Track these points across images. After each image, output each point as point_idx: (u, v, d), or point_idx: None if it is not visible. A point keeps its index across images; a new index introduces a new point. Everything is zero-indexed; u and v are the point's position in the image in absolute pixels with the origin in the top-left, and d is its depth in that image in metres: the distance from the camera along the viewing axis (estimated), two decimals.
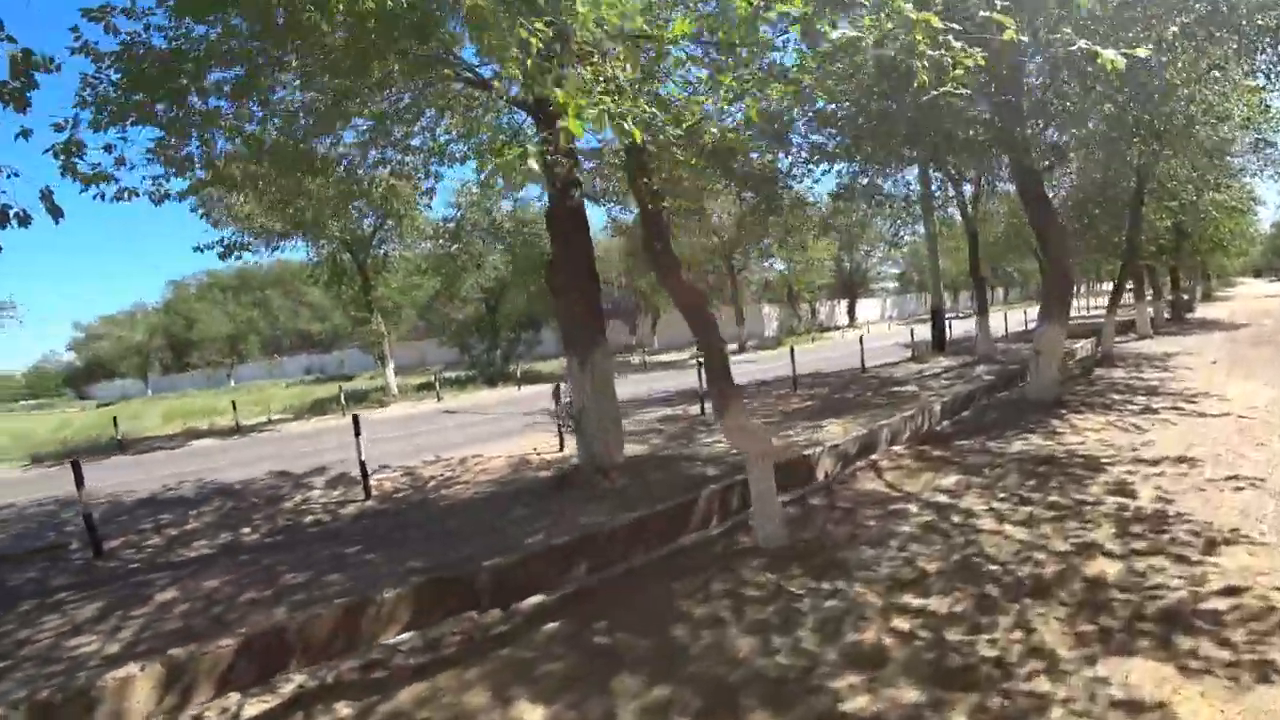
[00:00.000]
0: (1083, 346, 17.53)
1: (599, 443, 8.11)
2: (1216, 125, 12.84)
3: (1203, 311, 30.85)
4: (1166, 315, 27.34)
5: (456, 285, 26.78)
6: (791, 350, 14.49)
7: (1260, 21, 7.01)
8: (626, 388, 18.22)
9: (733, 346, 31.80)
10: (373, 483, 8.78)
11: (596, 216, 33.73)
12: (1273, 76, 8.33)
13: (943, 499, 6.16)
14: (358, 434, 8.43)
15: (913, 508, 6.02)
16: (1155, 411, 9.09)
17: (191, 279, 61.01)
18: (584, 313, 8.06)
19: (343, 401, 21.86)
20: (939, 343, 18.15)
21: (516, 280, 30.04)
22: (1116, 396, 10.32)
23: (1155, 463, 6.64)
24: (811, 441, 8.70)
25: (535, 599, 4.87)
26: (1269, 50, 7.32)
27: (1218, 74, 7.93)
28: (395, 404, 22.70)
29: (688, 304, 5.68)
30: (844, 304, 48.83)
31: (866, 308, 50.75)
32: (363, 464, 8.37)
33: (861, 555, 5.08)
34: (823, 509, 6.33)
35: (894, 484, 6.88)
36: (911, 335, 18.39)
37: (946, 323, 19.83)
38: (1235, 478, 5.98)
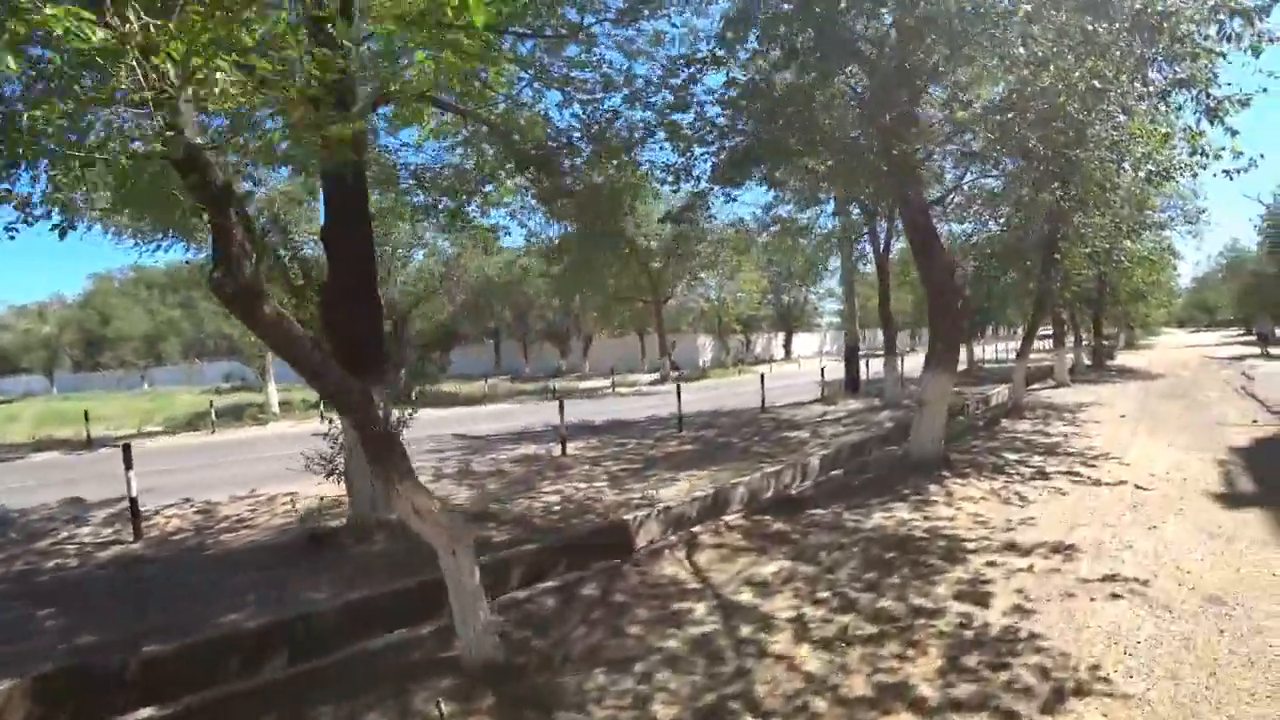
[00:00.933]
0: (999, 393, 16.69)
1: (365, 496, 6.58)
2: (1120, 165, 12.13)
3: (1124, 359, 30.86)
4: (1088, 362, 27.10)
5: None
6: (678, 388, 13.19)
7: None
8: (513, 420, 16.72)
9: (654, 376, 30.59)
10: (162, 518, 7.99)
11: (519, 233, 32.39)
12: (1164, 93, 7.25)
13: (746, 597, 4.77)
14: (128, 466, 7.31)
15: (700, 609, 4.60)
16: (1048, 477, 7.96)
17: (117, 273, 57.13)
18: (356, 335, 6.54)
19: (213, 418, 19.87)
20: (852, 384, 17.09)
21: (433, 296, 28.44)
22: (1011, 456, 9.21)
23: (1027, 551, 5.39)
24: (644, 501, 7.32)
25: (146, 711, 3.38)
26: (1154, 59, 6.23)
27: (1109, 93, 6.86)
28: (275, 422, 20.75)
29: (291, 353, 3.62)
30: (781, 337, 48.20)
31: (805, 342, 50.20)
32: (133, 501, 7.31)
33: (587, 684, 3.65)
34: (591, 602, 4.89)
35: (702, 569, 5.47)
36: (822, 375, 17.28)
37: (864, 362, 18.88)
38: (1114, 578, 4.75)
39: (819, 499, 7.37)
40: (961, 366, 26.25)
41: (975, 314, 22.70)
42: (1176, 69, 5.63)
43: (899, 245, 19.46)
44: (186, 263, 20.64)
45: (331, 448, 7.33)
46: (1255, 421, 11.91)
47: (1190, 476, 7.81)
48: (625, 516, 6.69)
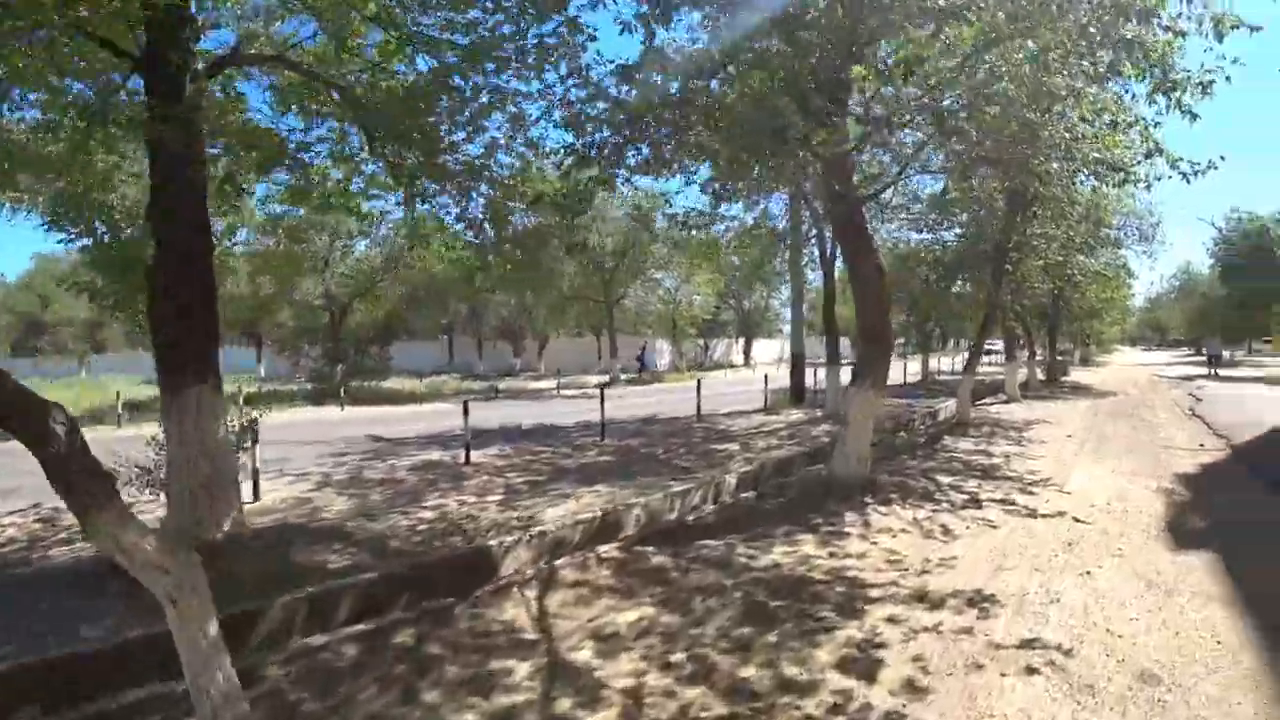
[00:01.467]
0: (947, 408, 16.07)
1: (187, 511, 5.51)
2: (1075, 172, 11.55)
3: (1078, 376, 30.74)
4: (1042, 378, 26.84)
5: (288, 286, 23.68)
6: (602, 394, 12.23)
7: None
8: (445, 421, 15.63)
9: (604, 379, 29.65)
10: None
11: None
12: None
13: (584, 656, 3.85)
14: None
15: (522, 670, 3.68)
16: (980, 506, 7.19)
17: (64, 254, 54.59)
18: (180, 324, 5.49)
19: (119, 412, 18.44)
20: (798, 393, 16.32)
21: (374, 287, 27.11)
22: (945, 479, 8.45)
23: (939, 603, 4.56)
24: (523, 523, 6.37)
25: None
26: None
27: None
28: None
29: None
30: (741, 343, 47.62)
31: (766, 348, 49.63)
32: None
33: None
34: (400, 653, 3.95)
35: (550, 614, 4.55)
36: (765, 383, 16.47)
37: (813, 372, 18.18)
38: (1034, 644, 3.93)
39: (720, 526, 6.50)
40: (915, 378, 25.86)
41: (929, 325, 22.24)
42: (1125, 29, 4.86)
43: None
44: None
45: (155, 456, 6.27)
46: (1202, 446, 11.40)
47: (1132, 509, 7.11)
48: (490, 542, 5.79)
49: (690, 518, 6.88)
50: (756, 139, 6.08)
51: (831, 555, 5.65)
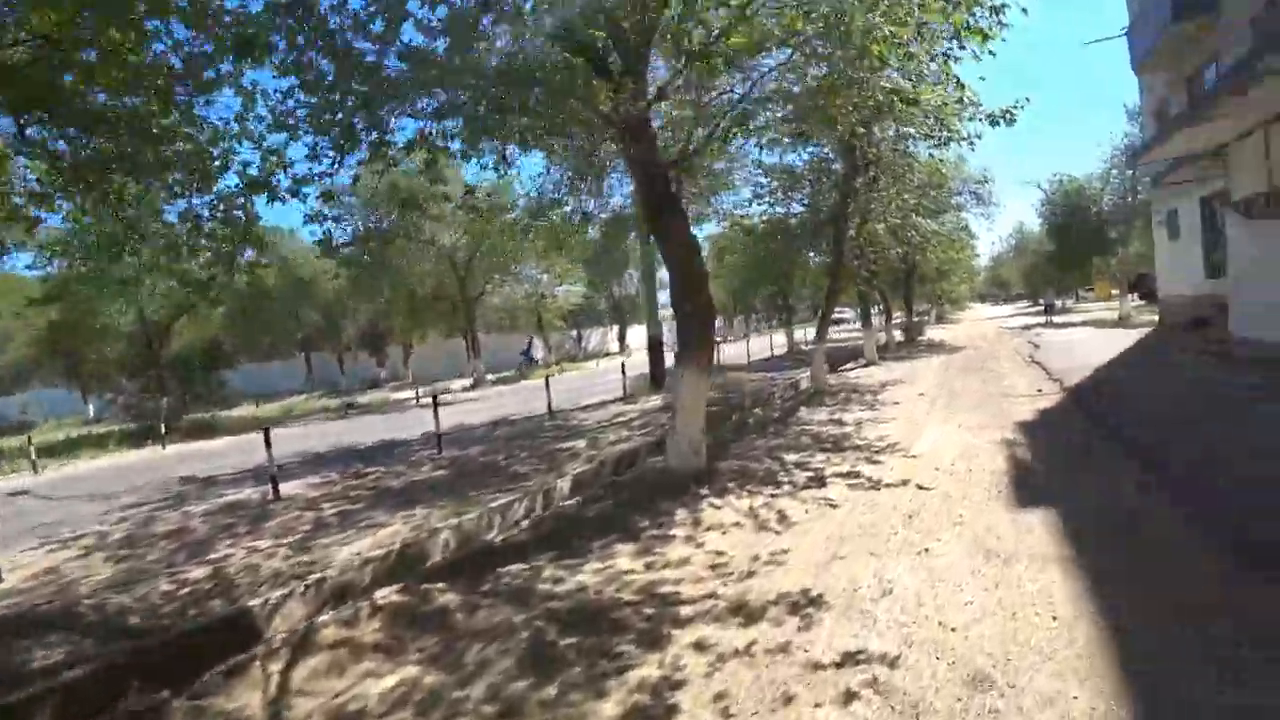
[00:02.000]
0: (808, 378, 16.01)
1: None
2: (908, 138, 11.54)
3: (933, 334, 32.24)
4: (900, 339, 27.85)
5: (91, 314, 20.72)
6: (435, 401, 11.09)
7: None
8: (286, 446, 13.78)
9: (466, 381, 28.20)
10: None
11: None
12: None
13: None
14: None
15: None
16: (824, 484, 6.70)
17: None
18: None
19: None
20: (656, 379, 15.72)
21: (195, 308, 24.31)
22: (792, 458, 7.97)
23: (757, 614, 3.89)
24: (306, 567, 5.27)
25: None
26: None
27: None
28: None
29: None
30: (616, 330, 47.10)
31: (640, 334, 49.33)
32: None
33: None
34: None
35: (292, 692, 3.54)
36: (623, 371, 15.80)
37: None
38: (857, 657, 3.31)
39: (536, 543, 5.64)
40: (781, 350, 26.15)
41: (781, 296, 22.41)
42: None
43: (711, 227, 18.47)
44: None
45: None
46: (1040, 391, 11.68)
47: (976, 467, 6.86)
48: (255, 601, 4.68)
49: (501, 538, 5.97)
50: (520, 91, 5.20)
51: (649, 567, 4.91)
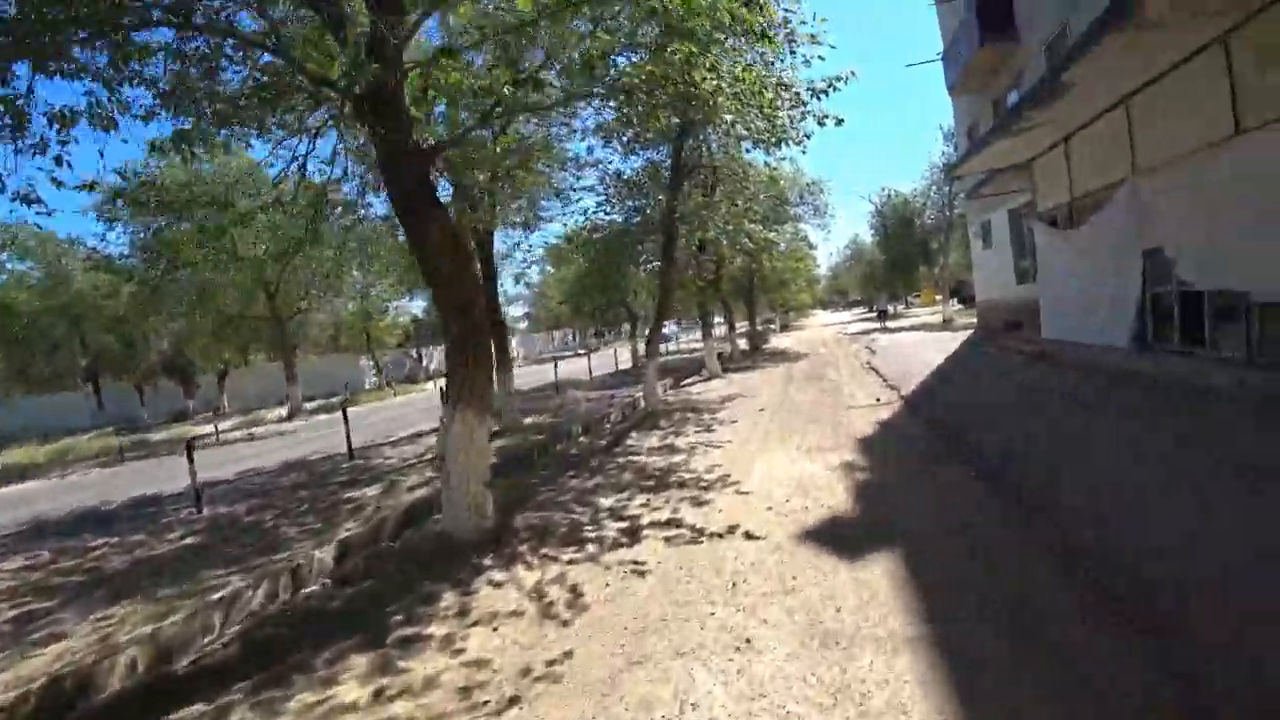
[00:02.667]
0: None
1: None
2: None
3: (778, 342, 32.67)
4: (745, 348, 27.81)
5: None
6: (189, 447, 8.85)
7: None
8: (16, 510, 10.75)
9: (280, 412, 25.07)
10: None
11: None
12: None
13: None
14: None
15: None
16: (636, 539, 5.44)
17: None
18: None
19: None
20: None
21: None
22: (607, 501, 6.67)
23: None
24: None
25: None
26: None
27: None
28: None
29: None
30: None
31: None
32: None
33: None
34: None
35: None
36: (443, 395, 14.00)
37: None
38: None
39: (243, 661, 3.96)
40: (627, 365, 25.08)
41: (621, 306, 21.49)
42: None
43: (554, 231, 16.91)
44: None
45: None
46: (879, 400, 11.26)
47: (814, 502, 5.89)
48: None
49: (190, 661, 4.21)
50: None
51: (379, 696, 3.40)
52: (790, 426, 9.68)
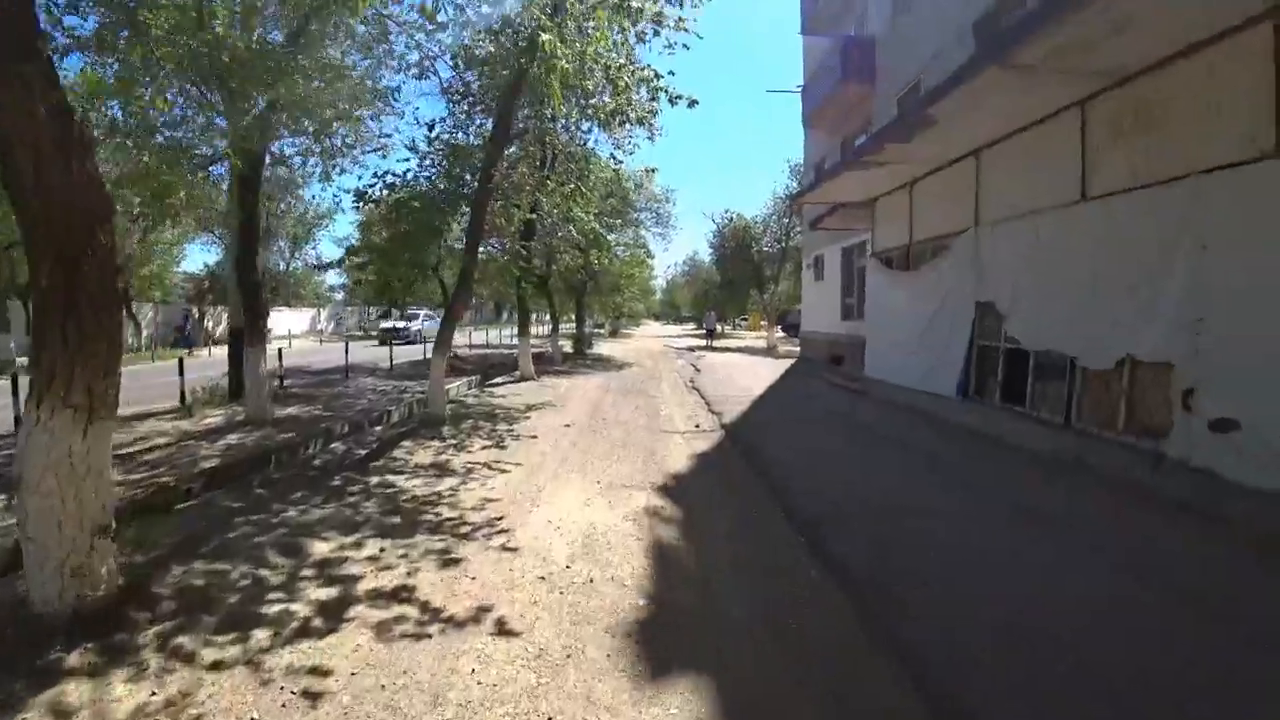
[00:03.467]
0: (449, 390, 13.02)
1: None
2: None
3: (604, 348, 31.58)
4: (569, 350, 26.39)
5: None
6: None
7: None
8: None
9: None
10: None
11: None
12: None
13: None
14: None
15: None
16: (336, 622, 3.63)
17: None
18: None
19: None
20: (235, 384, 11.23)
21: None
22: (319, 551, 4.70)
23: None
24: None
25: None
26: None
27: None
28: None
29: None
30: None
31: (296, 320, 41.80)
32: None
33: None
34: None
35: None
36: (181, 375, 11.01)
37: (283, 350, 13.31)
38: None
39: None
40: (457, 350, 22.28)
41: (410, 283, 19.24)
42: None
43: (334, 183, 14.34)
44: None
45: None
46: (698, 427, 10.18)
47: (601, 572, 4.39)
48: None
49: None
50: None
51: None
52: (595, 451, 8.24)
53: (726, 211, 42.89)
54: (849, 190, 14.05)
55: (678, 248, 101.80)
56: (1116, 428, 7.29)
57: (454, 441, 8.64)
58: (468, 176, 10.89)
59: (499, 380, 16.14)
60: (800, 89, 24.83)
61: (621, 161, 13.88)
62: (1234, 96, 6.03)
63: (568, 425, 9.98)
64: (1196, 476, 5.96)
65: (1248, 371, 5.68)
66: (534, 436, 9.08)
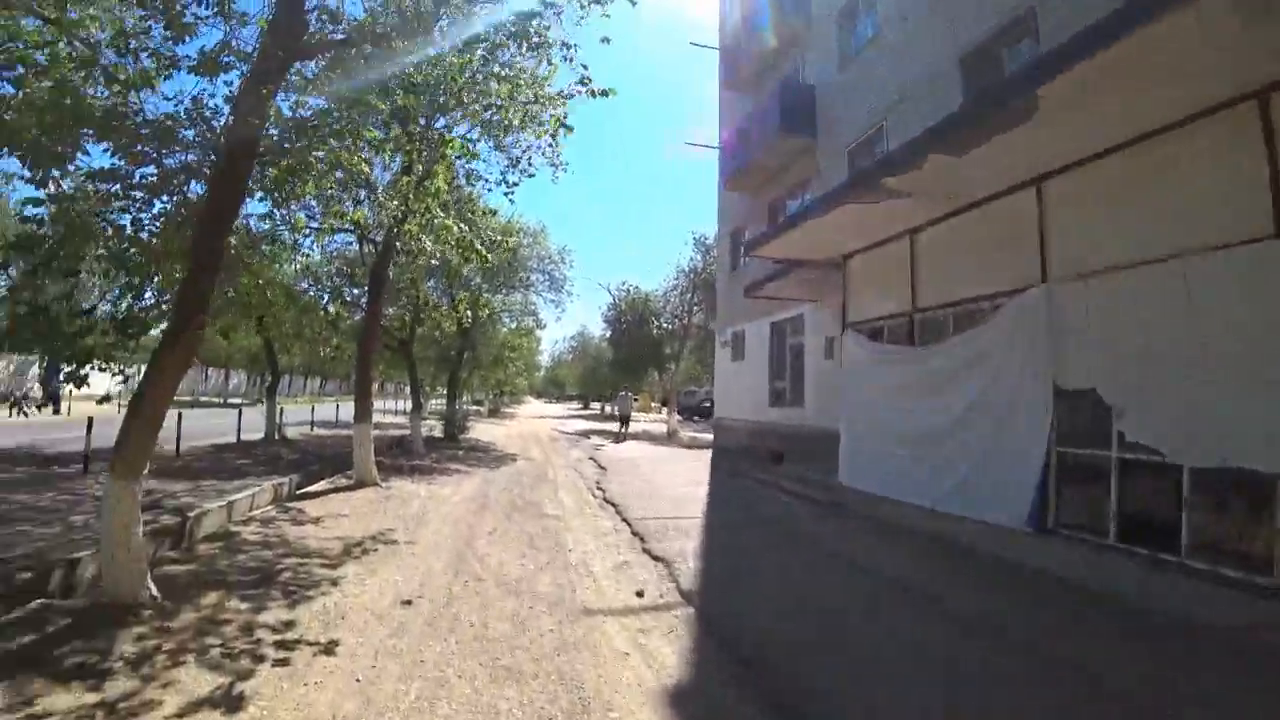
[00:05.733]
0: (241, 501, 8.16)
1: None
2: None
3: (481, 431, 26.63)
4: (437, 435, 21.44)
5: None
6: None
7: None
8: None
9: None
10: None
11: None
12: None
13: None
14: None
15: None
16: None
17: None
18: None
19: None
20: None
21: None
22: None
23: None
24: None
25: None
26: None
27: None
28: None
29: None
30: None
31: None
32: None
33: None
34: None
35: None
36: None
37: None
38: None
39: None
40: (255, 435, 15.78)
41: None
42: None
43: None
44: None
45: None
46: (640, 595, 5.92)
47: None
48: None
49: None
50: None
51: None
52: (455, 697, 3.79)
53: (624, 283, 39.69)
54: (817, 243, 10.72)
55: (568, 320, 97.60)
56: None
57: (125, 682, 3.80)
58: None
59: (319, 488, 11.05)
60: (719, 146, 22.17)
61: (517, 182, 9.90)
62: None
63: (407, 603, 5.38)
64: None
65: None
66: (325, 648, 4.42)
